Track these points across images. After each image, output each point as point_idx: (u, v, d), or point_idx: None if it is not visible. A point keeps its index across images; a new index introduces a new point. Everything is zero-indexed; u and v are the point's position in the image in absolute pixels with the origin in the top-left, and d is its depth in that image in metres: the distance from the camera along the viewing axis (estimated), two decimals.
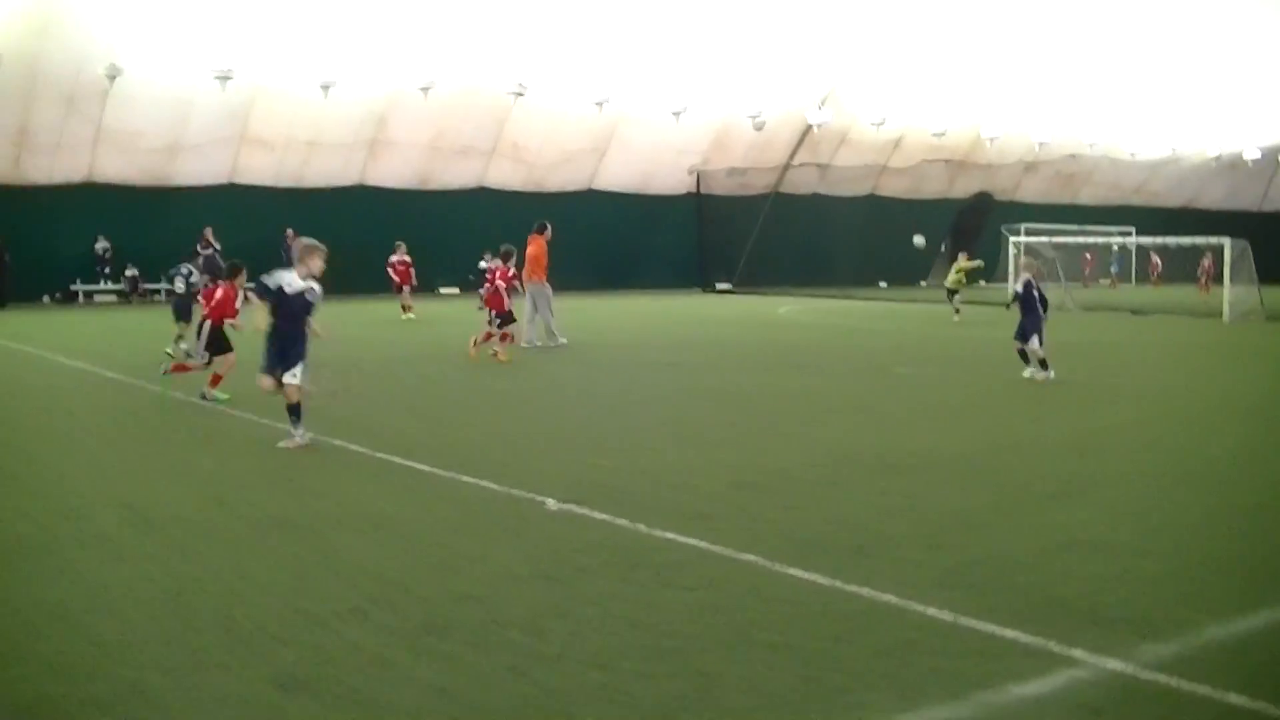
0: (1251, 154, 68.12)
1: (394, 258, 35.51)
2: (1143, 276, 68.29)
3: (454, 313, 35.58)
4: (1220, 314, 36.81)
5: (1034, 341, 19.35)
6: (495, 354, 22.49)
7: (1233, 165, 69.93)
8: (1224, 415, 15.99)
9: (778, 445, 13.37)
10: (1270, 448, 13.57)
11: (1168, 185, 70.52)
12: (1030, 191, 65.85)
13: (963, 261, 35.97)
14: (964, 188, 63.19)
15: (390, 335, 29.17)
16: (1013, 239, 47.23)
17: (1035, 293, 19.49)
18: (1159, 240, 51.18)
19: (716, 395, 17.89)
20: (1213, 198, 72.72)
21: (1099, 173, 66.92)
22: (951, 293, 35.32)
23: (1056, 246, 47.37)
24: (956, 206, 63.29)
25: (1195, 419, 15.60)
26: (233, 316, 17.06)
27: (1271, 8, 55.93)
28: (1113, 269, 67.93)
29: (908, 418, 15.48)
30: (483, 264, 37.28)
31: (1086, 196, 68.60)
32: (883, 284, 58.34)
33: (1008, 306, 21.33)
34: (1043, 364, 19.25)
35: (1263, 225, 67.34)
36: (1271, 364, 24.04)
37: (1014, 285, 21.84)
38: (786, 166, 56.39)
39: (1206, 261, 51.86)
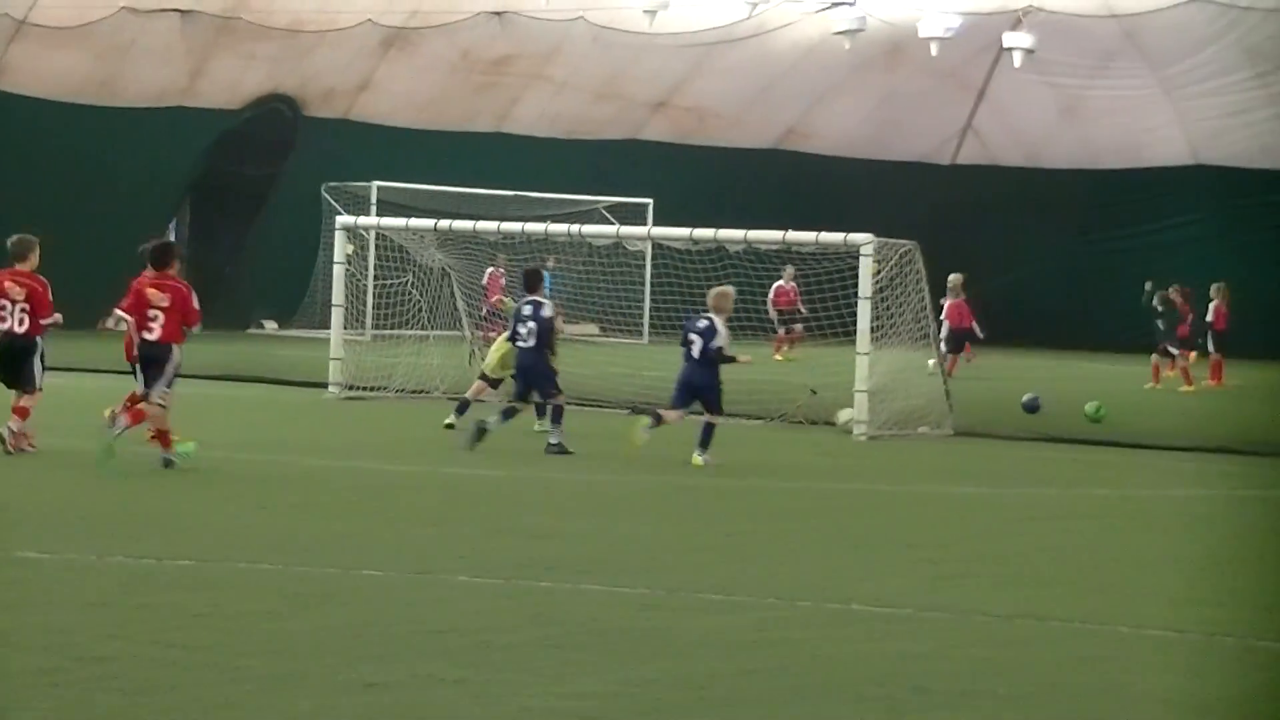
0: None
1: None
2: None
3: None
4: None
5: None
6: None
7: None
8: None
9: None
10: None
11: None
12: (394, 106, 38.72)
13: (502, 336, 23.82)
14: (235, 85, 36.35)
15: None
16: (342, 219, 27.76)
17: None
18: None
19: None
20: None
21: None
22: (495, 382, 24.14)
23: (444, 244, 26.53)
24: (219, 124, 37.95)
25: None
26: None
27: None
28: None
29: None
30: None
31: (528, 120, 40.41)
32: (270, 324, 40.58)
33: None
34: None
35: None
36: None
37: None
38: None
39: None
